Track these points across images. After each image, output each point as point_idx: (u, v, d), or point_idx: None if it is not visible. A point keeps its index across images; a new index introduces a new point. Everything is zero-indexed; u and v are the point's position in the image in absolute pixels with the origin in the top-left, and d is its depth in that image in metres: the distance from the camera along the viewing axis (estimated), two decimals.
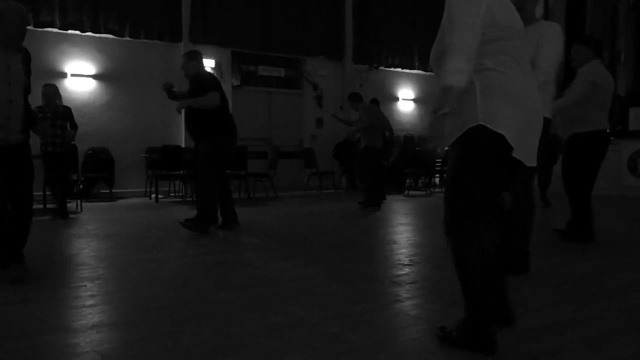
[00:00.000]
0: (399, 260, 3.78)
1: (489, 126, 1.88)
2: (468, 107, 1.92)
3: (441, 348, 2.04)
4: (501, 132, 1.86)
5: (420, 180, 11.73)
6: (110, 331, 2.28)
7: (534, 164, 2.01)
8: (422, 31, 12.30)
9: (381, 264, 3.62)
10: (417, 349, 2.06)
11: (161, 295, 2.89)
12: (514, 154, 1.90)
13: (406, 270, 3.46)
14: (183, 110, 5.34)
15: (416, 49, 12.47)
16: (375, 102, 9.41)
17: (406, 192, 10.29)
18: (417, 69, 12.65)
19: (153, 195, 8.64)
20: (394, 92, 12.53)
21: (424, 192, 10.29)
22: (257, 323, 2.35)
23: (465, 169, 1.96)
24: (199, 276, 3.36)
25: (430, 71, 12.63)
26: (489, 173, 1.94)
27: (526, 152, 1.95)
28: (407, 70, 12.59)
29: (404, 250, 4.10)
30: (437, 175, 11.52)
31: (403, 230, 5.31)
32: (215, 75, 10.03)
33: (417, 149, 10.73)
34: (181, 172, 8.93)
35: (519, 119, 1.90)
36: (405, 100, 12.67)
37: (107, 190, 8.93)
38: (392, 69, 12.49)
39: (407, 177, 11.13)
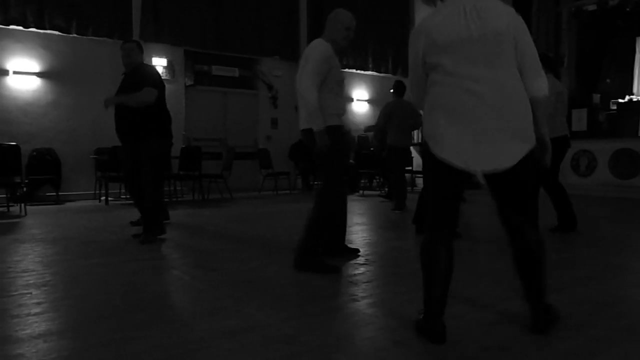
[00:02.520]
0: (354, 259, 3.81)
1: (428, 142, 2.13)
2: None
3: (397, 346, 2.07)
4: (435, 151, 2.08)
5: (374, 180, 11.89)
6: (58, 340, 2.19)
7: (499, 167, 2.02)
8: (376, 34, 12.48)
9: (337, 264, 3.63)
10: (373, 347, 2.09)
11: (112, 301, 2.80)
12: (457, 163, 2.04)
13: (362, 269, 3.50)
14: (115, 108, 4.77)
15: (370, 51, 12.62)
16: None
17: (361, 192, 10.41)
18: (371, 70, 12.79)
19: (103, 198, 8.36)
20: (348, 93, 12.64)
21: (378, 192, 10.42)
22: (211, 326, 2.32)
23: (425, 179, 2.31)
24: (151, 281, 3.28)
25: (385, 72, 12.87)
26: (439, 182, 2.16)
27: (471, 159, 2.02)
28: (361, 72, 12.70)
29: (359, 250, 4.12)
30: None
31: (359, 230, 5.35)
32: (165, 73, 9.87)
33: (372, 149, 10.82)
34: None
35: (455, 130, 2.04)
36: (360, 101, 12.79)
37: (54, 193, 8.59)
38: (347, 70, 12.56)
39: (362, 177, 11.27)
